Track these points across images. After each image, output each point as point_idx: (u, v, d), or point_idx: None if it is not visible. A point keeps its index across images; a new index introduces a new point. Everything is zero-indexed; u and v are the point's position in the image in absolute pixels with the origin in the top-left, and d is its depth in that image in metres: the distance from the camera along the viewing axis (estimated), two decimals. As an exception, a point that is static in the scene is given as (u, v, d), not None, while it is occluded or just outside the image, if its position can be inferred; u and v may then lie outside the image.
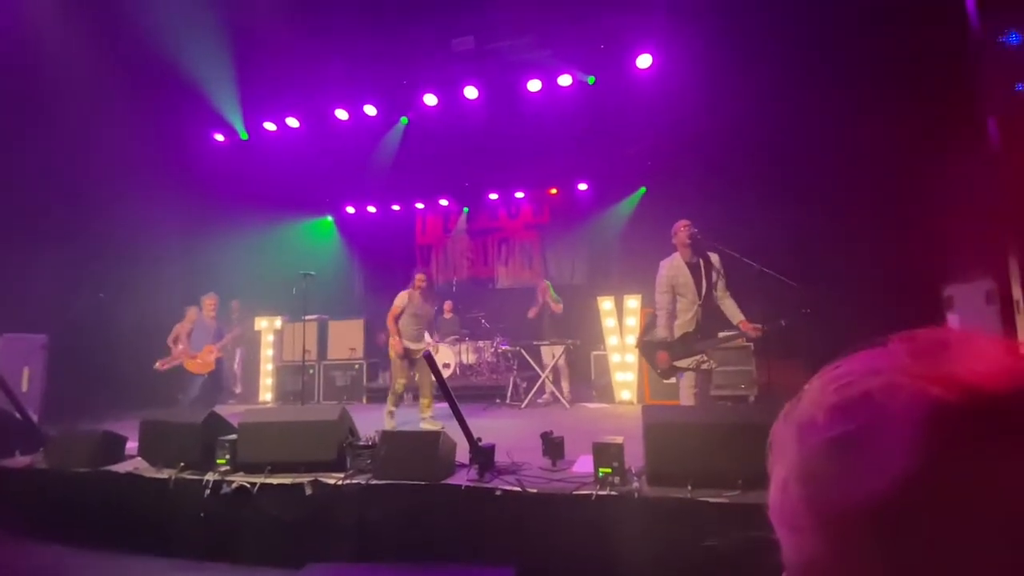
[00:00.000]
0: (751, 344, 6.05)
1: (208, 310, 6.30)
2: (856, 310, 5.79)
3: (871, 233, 5.77)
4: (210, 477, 3.40)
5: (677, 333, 3.92)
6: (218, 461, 3.52)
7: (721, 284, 3.99)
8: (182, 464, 3.52)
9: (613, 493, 2.74)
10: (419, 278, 5.39)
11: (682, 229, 3.95)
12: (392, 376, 5.43)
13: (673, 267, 3.97)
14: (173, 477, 3.45)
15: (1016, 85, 3.14)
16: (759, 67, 5.77)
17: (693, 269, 3.93)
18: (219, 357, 6.20)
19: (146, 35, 5.92)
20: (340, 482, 3.21)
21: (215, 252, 7.92)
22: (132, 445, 3.94)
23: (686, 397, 3.96)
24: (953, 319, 3.92)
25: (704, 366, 3.93)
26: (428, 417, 5.25)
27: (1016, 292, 2.90)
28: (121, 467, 3.72)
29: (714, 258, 3.99)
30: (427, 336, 5.29)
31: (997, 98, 3.07)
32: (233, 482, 3.35)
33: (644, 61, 6.38)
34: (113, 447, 3.93)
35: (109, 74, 6.17)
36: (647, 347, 4.14)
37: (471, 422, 3.43)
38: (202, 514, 3.31)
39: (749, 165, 6.98)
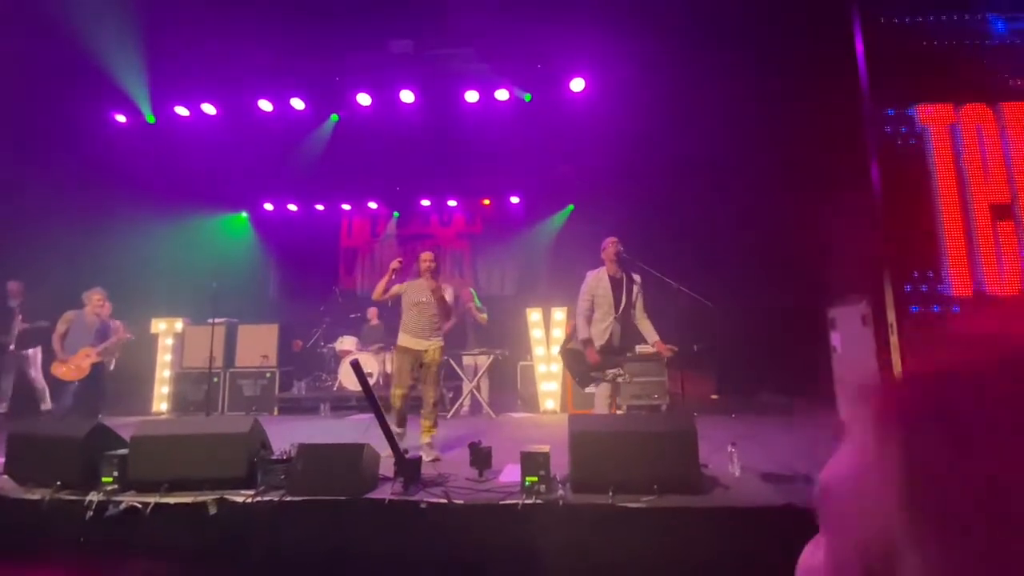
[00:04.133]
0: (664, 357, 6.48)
1: (95, 306, 5.63)
2: (757, 327, 6.41)
3: (771, 258, 6.42)
4: (93, 497, 3.02)
5: (596, 342, 4.10)
6: (103, 479, 3.14)
7: (640, 305, 4.24)
8: (59, 483, 3.10)
9: (539, 502, 2.79)
10: (423, 257, 4.37)
11: (610, 245, 4.18)
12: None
13: (596, 278, 4.18)
14: (47, 498, 3.02)
15: (888, 131, 3.68)
16: (682, 101, 6.25)
17: (614, 283, 4.15)
18: (96, 362, 5.53)
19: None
20: (250, 500, 2.98)
21: (109, 244, 7.10)
22: (-6, 462, 3.41)
23: (600, 407, 4.14)
24: (836, 337, 4.46)
25: (619, 379, 4.14)
26: (427, 444, 4.16)
27: (891, 316, 3.39)
28: (-21, 487, 3.20)
29: (637, 279, 4.24)
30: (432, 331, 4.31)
31: (879, 146, 3.59)
32: (121, 502, 3.00)
33: (577, 85, 6.67)
34: (-31, 465, 3.37)
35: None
36: (568, 354, 4.28)
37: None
38: (82, 539, 2.93)
39: (669, 191, 7.51)
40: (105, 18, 5.66)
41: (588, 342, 4.06)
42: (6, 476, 3.27)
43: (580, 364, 4.11)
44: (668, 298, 4.48)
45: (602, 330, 4.08)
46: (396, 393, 4.28)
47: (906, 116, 3.59)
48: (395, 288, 4.36)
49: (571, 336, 4.34)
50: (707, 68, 5.80)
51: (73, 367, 5.45)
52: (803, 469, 3.41)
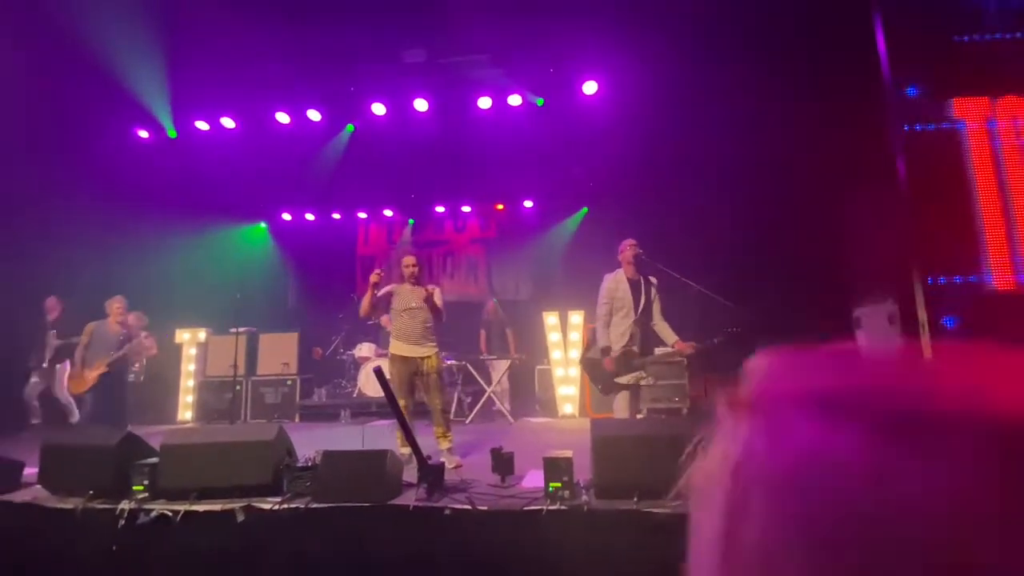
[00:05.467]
0: (684, 359, 6.39)
1: (116, 315, 5.49)
2: (778, 327, 6.30)
3: (793, 257, 6.32)
4: (125, 506, 3.08)
5: (615, 345, 4.05)
6: (134, 488, 3.20)
7: (657, 308, 4.19)
8: (91, 492, 3.17)
9: (563, 507, 2.78)
10: (405, 262, 4.27)
11: (628, 248, 4.14)
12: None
13: (615, 280, 4.13)
14: (80, 507, 3.09)
15: (916, 126, 3.60)
16: (697, 101, 6.20)
17: (633, 286, 4.11)
18: (105, 372, 5.27)
19: (62, 17, 5.41)
20: (276, 507, 3.02)
21: (135, 257, 7.28)
22: (30, 471, 3.51)
23: (620, 411, 4.09)
24: (861, 337, 4.36)
25: (643, 382, 4.10)
26: (446, 450, 4.09)
27: (921, 315, 3.30)
28: (17, 496, 3.29)
29: (654, 280, 4.20)
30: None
31: (902, 138, 3.52)
32: (152, 510, 3.06)
33: (590, 87, 6.67)
34: (8, 474, 3.47)
35: (17, 59, 5.56)
36: (589, 363, 4.24)
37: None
38: (115, 547, 2.99)
39: (685, 191, 7.43)
40: (128, 37, 5.83)
41: (607, 350, 4.02)
42: (39, 486, 3.36)
43: (602, 372, 4.06)
44: (687, 300, 4.44)
45: (621, 333, 4.04)
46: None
47: (938, 109, 3.51)
48: (382, 292, 4.16)
49: (590, 344, 4.30)
50: (723, 65, 5.74)
51: (80, 379, 5.26)
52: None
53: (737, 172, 6.61)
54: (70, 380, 5.44)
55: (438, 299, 4.18)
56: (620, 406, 4.08)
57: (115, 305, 5.56)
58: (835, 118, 4.95)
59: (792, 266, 6.45)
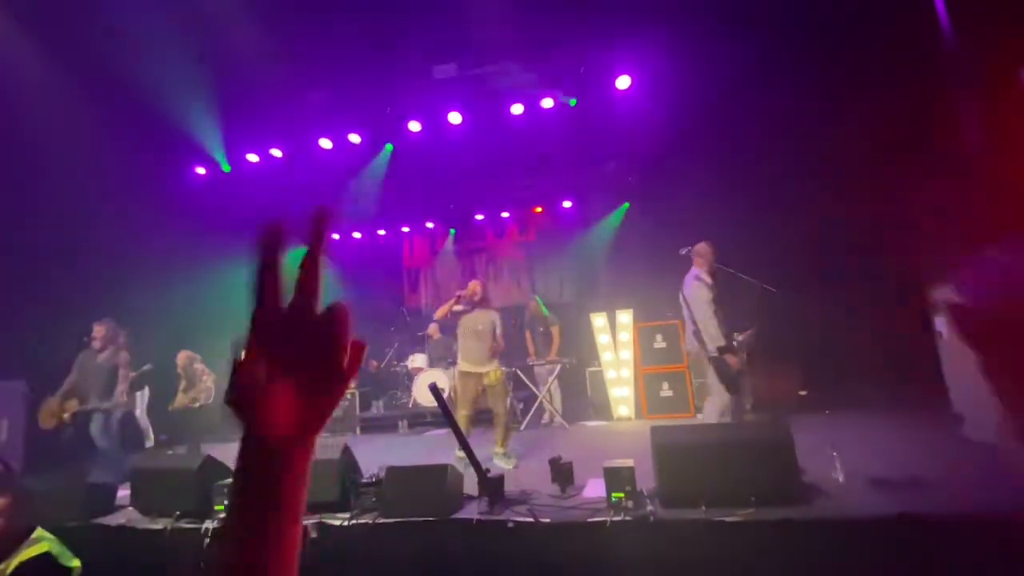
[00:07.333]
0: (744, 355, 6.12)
1: (98, 341, 5.03)
2: (847, 313, 5.94)
3: (859, 240, 5.94)
4: (208, 525, 3.28)
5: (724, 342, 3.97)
6: (216, 508, 3.39)
7: None
8: (178, 513, 3.40)
9: (628, 518, 2.72)
10: (471, 285, 4.75)
11: (712, 252, 4.06)
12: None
13: (705, 280, 4.05)
14: (169, 527, 3.32)
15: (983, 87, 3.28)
16: (736, 82, 5.94)
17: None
18: (76, 412, 4.85)
19: (126, 73, 5.86)
20: (346, 523, 3.12)
21: (196, 286, 7.77)
22: (122, 493, 3.79)
23: (711, 415, 3.93)
24: (941, 322, 4.03)
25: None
26: (501, 453, 4.47)
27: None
28: (112, 519, 3.56)
29: None
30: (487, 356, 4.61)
31: (972, 103, 3.22)
32: (233, 528, 3.23)
33: (623, 82, 6.53)
34: (102, 497, 3.77)
35: (88, 119, 6.08)
36: (719, 364, 3.99)
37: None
38: (202, 564, 3.18)
39: (730, 176, 7.13)
40: (186, 88, 6.29)
41: (727, 348, 3.88)
42: (132, 508, 3.62)
43: (732, 372, 3.92)
44: (748, 294, 4.31)
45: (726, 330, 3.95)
46: (461, 415, 4.45)
47: (1003, 68, 3.21)
48: (460, 308, 4.68)
49: (691, 351, 4.25)
50: (763, 48, 5.49)
51: (47, 411, 4.79)
52: (916, 472, 3.10)
53: (790, 147, 6.28)
54: (41, 412, 4.81)
55: (497, 326, 4.61)
56: (712, 412, 3.93)
57: (98, 330, 4.86)
58: (897, 86, 4.60)
59: (862, 248, 6.06)
